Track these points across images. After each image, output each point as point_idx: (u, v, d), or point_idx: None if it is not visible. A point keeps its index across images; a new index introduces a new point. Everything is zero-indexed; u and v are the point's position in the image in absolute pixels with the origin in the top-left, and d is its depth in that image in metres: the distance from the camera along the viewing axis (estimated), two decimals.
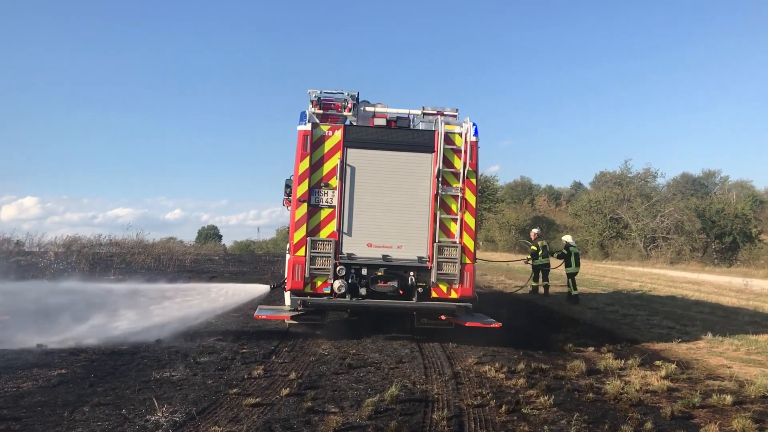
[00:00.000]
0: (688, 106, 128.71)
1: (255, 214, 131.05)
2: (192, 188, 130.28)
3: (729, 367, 10.76)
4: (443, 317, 11.62)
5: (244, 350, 10.44)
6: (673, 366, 10.26)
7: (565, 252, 20.33)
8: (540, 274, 21.50)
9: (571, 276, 19.92)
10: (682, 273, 38.88)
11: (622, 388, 8.67)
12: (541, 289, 21.40)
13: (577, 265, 20.25)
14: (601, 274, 33.73)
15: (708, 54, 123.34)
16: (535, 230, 23.42)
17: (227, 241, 76.92)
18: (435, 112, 11.77)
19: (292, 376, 8.73)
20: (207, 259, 35.34)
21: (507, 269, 34.35)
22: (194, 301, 13.46)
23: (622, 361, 10.56)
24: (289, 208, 12.06)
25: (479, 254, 14.65)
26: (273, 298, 14.47)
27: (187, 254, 33.80)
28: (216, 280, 21.54)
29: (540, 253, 21.24)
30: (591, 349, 11.78)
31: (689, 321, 15.83)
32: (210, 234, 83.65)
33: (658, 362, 10.66)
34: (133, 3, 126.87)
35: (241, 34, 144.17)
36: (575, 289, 19.84)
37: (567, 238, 21.21)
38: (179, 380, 8.43)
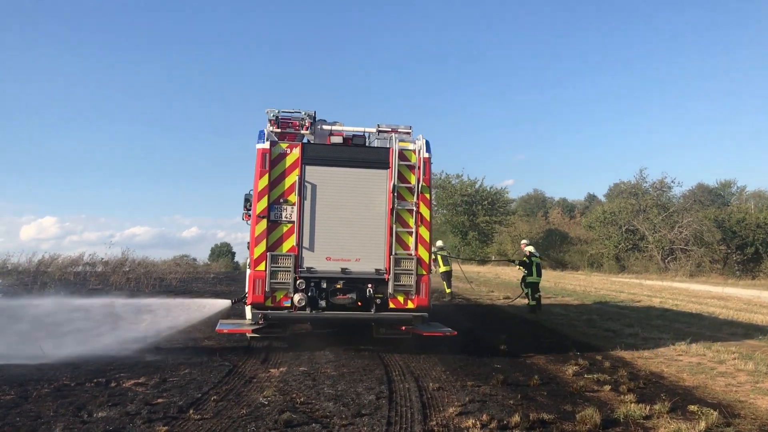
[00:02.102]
0: (701, 116, 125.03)
1: None
2: (208, 206, 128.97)
3: None
4: (402, 327, 11.77)
5: (160, 399, 8.16)
6: (714, 414, 7.90)
7: (527, 261, 20.24)
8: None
9: (531, 285, 19.95)
10: (703, 287, 36.36)
11: None
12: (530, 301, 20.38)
13: (539, 275, 20.26)
14: (617, 289, 31.19)
15: (721, 63, 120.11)
16: (524, 241, 23.01)
17: (240, 258, 75.10)
18: (389, 129, 12.05)
19: None
20: (195, 278, 33.22)
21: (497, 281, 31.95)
22: (150, 318, 13.17)
23: (647, 407, 8.21)
24: (249, 222, 12.18)
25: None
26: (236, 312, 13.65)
27: (173, 273, 31.78)
28: (189, 297, 19.51)
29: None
30: (607, 388, 9.44)
31: (722, 346, 13.40)
32: (223, 251, 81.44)
33: (693, 407, 8.31)
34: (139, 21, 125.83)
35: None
36: (533, 299, 19.83)
37: (530, 248, 21.16)
38: None
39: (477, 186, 65.71)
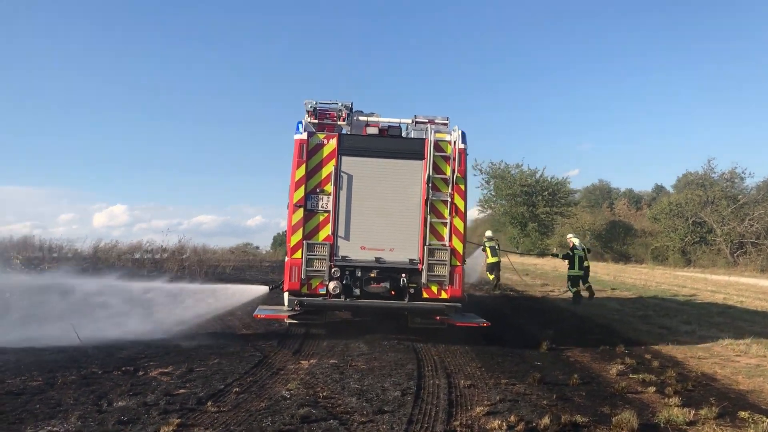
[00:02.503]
0: None
1: None
2: (272, 196, 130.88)
3: None
4: (437, 317, 11.85)
5: (182, 390, 8.02)
6: (766, 421, 7.30)
7: (570, 254, 20.14)
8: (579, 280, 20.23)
9: (572, 279, 19.98)
10: None
11: None
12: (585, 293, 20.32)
13: (581, 268, 19.99)
14: (680, 284, 29.95)
15: None
16: (570, 235, 22.15)
17: None
18: (426, 120, 12.14)
19: None
20: (249, 266, 33.57)
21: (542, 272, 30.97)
22: (190, 303, 13.56)
23: (693, 411, 7.65)
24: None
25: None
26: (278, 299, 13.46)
27: (228, 261, 32.27)
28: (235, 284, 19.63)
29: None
30: (652, 389, 8.87)
31: None
32: (284, 240, 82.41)
33: (743, 413, 7.70)
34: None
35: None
36: (571, 290, 19.97)
37: (574, 240, 20.94)
38: None
39: (537, 176, 64.33)
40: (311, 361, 10.04)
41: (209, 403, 7.35)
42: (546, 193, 62.96)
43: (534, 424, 7.00)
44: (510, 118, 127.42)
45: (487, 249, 24.30)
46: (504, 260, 26.02)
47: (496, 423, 6.93)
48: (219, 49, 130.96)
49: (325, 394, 7.99)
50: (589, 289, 20.24)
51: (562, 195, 64.49)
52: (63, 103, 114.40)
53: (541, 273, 36.70)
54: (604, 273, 36.00)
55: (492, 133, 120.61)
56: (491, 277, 24.34)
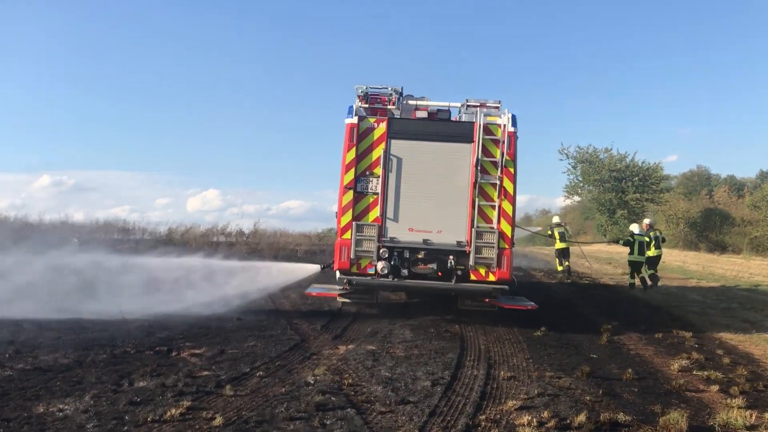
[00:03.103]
0: None
1: None
2: None
3: None
4: (486, 300, 11.99)
5: (206, 372, 7.82)
6: None
7: (631, 240, 20.44)
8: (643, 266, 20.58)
9: (632, 264, 20.28)
10: None
11: None
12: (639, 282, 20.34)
13: (640, 253, 20.15)
14: None
15: None
16: (646, 221, 22.34)
17: None
18: (478, 104, 12.10)
19: (218, 421, 6.01)
20: (321, 250, 33.67)
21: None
22: (246, 279, 13.88)
23: (756, 414, 6.84)
24: None
25: None
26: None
27: (301, 244, 32.59)
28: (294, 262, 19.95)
29: (652, 243, 20.62)
30: (715, 388, 8.03)
31: None
32: None
33: None
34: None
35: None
36: (632, 278, 20.29)
37: (633, 227, 21.46)
38: (62, 419, 6.01)
39: (627, 161, 61.62)
40: (349, 346, 9.69)
41: (227, 387, 7.10)
42: (636, 178, 60.26)
43: (568, 421, 6.39)
44: (605, 102, 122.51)
45: (555, 234, 23.25)
46: (575, 248, 25.05)
47: (525, 418, 6.37)
48: (309, 41, 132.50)
49: (350, 381, 7.60)
50: (653, 276, 20.18)
51: (654, 181, 61.50)
52: (161, 94, 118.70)
53: (623, 261, 34.93)
54: (693, 263, 34.09)
55: (585, 118, 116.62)
56: (560, 268, 23.59)
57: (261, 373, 7.83)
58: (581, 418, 6.41)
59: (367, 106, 12.23)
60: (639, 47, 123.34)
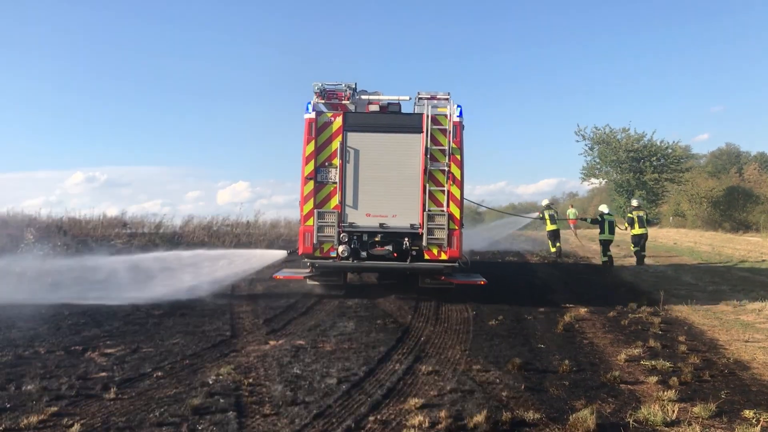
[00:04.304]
0: None
1: None
2: None
3: None
4: (442, 278, 12.78)
5: (103, 373, 7.34)
6: None
7: (599, 219, 21.64)
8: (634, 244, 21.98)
9: (603, 243, 21.35)
10: None
11: None
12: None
13: (611, 232, 21.36)
14: None
15: None
16: (634, 202, 23.73)
17: None
18: (429, 96, 12.93)
19: (75, 429, 5.53)
20: None
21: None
22: (218, 265, 14.70)
23: (681, 408, 6.22)
24: None
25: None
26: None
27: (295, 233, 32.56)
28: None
29: (636, 222, 21.84)
30: (654, 379, 7.37)
31: None
32: None
33: (749, 412, 6.20)
34: None
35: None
36: (604, 255, 21.26)
37: (603, 207, 22.43)
38: None
39: (645, 140, 60.10)
40: (279, 341, 9.17)
41: (113, 390, 6.61)
42: (654, 158, 58.82)
43: (464, 422, 5.83)
44: (633, 83, 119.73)
45: (546, 216, 24.28)
46: (568, 232, 25.52)
47: (418, 419, 5.83)
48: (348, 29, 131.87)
49: (252, 380, 7.10)
50: (637, 253, 21.54)
51: (672, 160, 59.98)
52: (190, 89, 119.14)
53: (624, 241, 33.88)
54: (705, 243, 32.99)
55: (614, 100, 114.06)
56: (553, 249, 24.42)
57: (161, 373, 7.36)
58: (479, 417, 5.85)
59: (323, 101, 13.00)
60: (671, 30, 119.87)
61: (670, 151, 60.01)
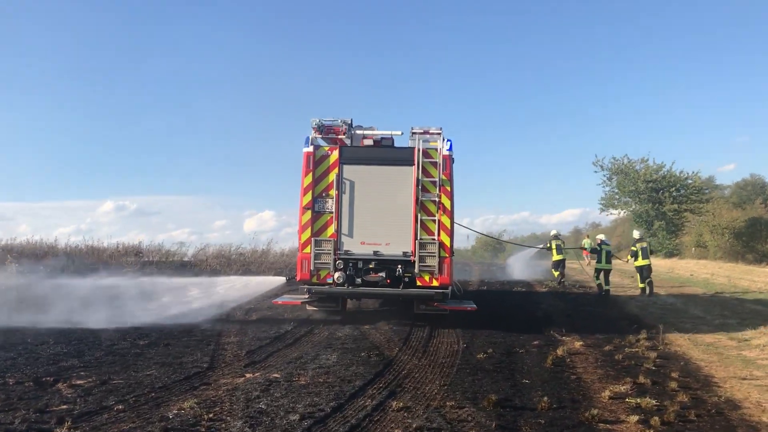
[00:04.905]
0: None
1: (468, 222, 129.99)
2: None
3: None
4: (435, 304, 13.20)
5: (64, 405, 7.19)
6: None
7: (598, 248, 22.02)
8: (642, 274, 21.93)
9: (600, 271, 21.66)
10: None
11: None
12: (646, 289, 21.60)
13: (608, 262, 21.74)
14: None
15: None
16: (636, 234, 23.85)
17: None
18: (422, 131, 13.56)
19: None
20: None
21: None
22: (216, 291, 15.52)
23: None
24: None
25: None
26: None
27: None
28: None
29: (639, 254, 21.91)
30: (634, 419, 6.99)
31: None
32: None
33: None
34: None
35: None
36: (607, 284, 21.52)
37: (601, 236, 22.96)
38: None
39: (664, 171, 59.39)
40: (256, 374, 8.94)
41: (68, 424, 6.40)
42: (673, 189, 58.07)
43: None
44: (658, 114, 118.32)
45: (553, 246, 25.74)
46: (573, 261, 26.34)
47: None
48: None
49: (213, 416, 6.85)
50: (649, 284, 21.43)
51: (692, 190, 59.18)
52: (217, 124, 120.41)
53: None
54: (722, 274, 32.23)
55: (639, 131, 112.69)
56: (556, 273, 25.89)
57: (122, 407, 7.13)
58: None
59: (320, 136, 13.65)
60: (695, 61, 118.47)
61: (689, 181, 59.23)
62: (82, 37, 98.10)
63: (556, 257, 25.74)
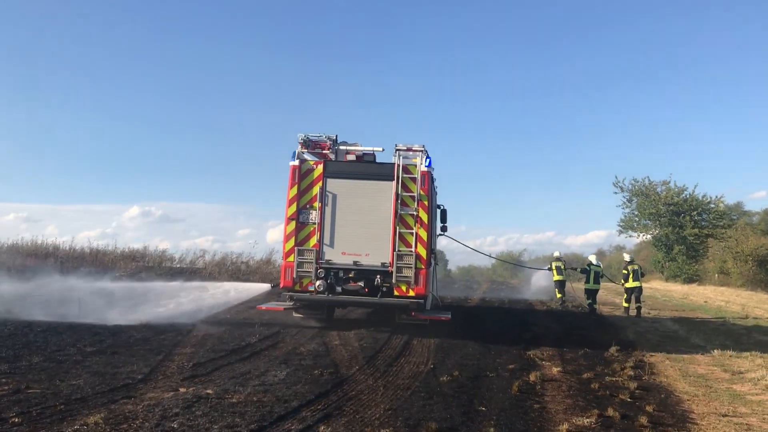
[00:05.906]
0: None
1: (492, 240, 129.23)
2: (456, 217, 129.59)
3: None
4: (412, 313, 13.71)
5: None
6: None
7: (587, 269, 22.81)
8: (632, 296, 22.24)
9: (588, 291, 22.67)
10: None
11: None
12: (632, 311, 21.91)
13: (596, 282, 22.62)
14: None
15: None
16: (626, 256, 24.31)
17: (453, 266, 75.24)
18: (405, 148, 14.04)
19: None
20: None
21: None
22: (186, 297, 16.00)
23: None
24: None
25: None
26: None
27: None
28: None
29: (630, 276, 22.15)
30: None
31: None
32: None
33: None
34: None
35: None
36: (595, 303, 22.56)
37: (591, 257, 23.66)
38: None
39: (686, 194, 57.91)
40: (188, 389, 8.29)
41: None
42: (694, 213, 56.57)
43: None
44: (686, 140, 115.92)
45: (554, 268, 26.11)
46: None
47: None
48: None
49: None
50: (638, 308, 21.74)
51: (715, 215, 57.61)
52: (243, 133, 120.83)
53: (664, 300, 32.15)
54: (737, 302, 30.97)
55: (671, 155, 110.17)
56: (558, 295, 25.81)
57: (19, 419, 6.54)
58: None
59: (307, 150, 14.16)
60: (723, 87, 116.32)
61: (712, 206, 57.74)
62: (114, 47, 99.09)
63: (556, 278, 26.07)
